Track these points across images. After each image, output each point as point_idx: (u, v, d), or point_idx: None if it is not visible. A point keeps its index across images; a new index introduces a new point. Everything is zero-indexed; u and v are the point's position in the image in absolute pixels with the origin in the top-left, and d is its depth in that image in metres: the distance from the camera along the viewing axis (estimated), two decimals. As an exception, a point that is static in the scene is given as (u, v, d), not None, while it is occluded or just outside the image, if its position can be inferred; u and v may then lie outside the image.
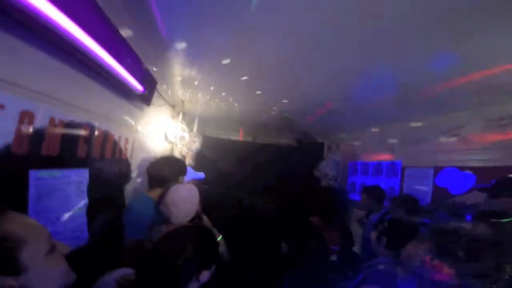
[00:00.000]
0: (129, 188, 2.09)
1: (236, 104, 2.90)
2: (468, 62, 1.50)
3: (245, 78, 2.03)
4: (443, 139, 2.63)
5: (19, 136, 0.97)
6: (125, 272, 0.99)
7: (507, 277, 0.70)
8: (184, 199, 1.53)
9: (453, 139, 2.54)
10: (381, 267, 1.45)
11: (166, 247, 0.90)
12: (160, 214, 1.69)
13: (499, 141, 2.17)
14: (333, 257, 1.97)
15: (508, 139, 2.10)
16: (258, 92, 2.33)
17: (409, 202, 2.30)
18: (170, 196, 1.52)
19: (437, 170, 2.67)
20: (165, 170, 1.76)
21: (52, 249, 0.65)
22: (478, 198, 1.98)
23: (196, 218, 1.61)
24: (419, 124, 2.88)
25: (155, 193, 1.67)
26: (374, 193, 2.75)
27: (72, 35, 1.00)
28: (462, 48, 1.35)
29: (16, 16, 0.84)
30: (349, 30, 1.26)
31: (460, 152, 2.48)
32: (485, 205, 1.73)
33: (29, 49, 0.97)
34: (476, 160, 2.33)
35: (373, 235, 1.67)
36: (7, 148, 0.93)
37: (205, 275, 0.92)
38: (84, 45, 1.08)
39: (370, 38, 1.32)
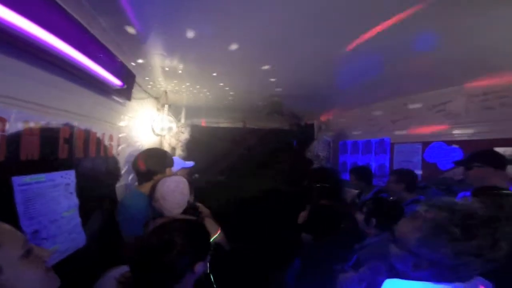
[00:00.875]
0: (120, 184, 2.07)
1: (223, 91, 2.85)
2: (452, 39, 1.49)
3: (229, 64, 1.98)
4: (429, 115, 2.67)
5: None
6: (125, 269, 0.98)
7: (502, 255, 0.70)
8: (172, 191, 1.52)
9: (439, 114, 2.57)
10: (373, 247, 1.49)
11: (155, 241, 0.89)
12: (153, 209, 1.71)
13: (483, 116, 2.22)
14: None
15: (492, 113, 2.15)
16: (245, 77, 2.28)
17: (409, 177, 2.27)
18: (159, 190, 1.51)
19: (425, 145, 2.72)
20: (150, 164, 1.72)
21: (27, 253, 0.66)
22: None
23: (191, 209, 1.59)
24: (406, 100, 2.90)
25: (146, 187, 1.68)
26: (362, 174, 2.81)
27: (39, 38, 0.97)
28: (446, 25, 1.33)
29: None
30: (335, 8, 1.21)
31: (446, 127, 2.53)
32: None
33: None
34: (462, 134, 2.38)
35: (360, 216, 1.70)
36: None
37: (199, 267, 0.92)
38: (52, 46, 1.05)
39: (356, 17, 1.29)
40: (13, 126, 1.02)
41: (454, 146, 2.45)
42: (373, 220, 1.56)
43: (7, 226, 0.67)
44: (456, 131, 2.45)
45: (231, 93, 2.86)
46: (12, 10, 0.84)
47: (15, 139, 1.03)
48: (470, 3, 1.13)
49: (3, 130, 0.98)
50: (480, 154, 1.73)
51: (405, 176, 2.26)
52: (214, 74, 2.25)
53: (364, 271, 1.24)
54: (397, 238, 0.86)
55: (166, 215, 1.51)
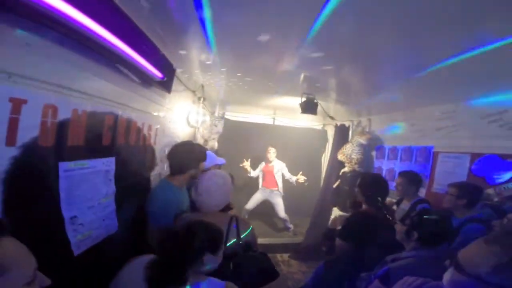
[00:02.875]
0: (154, 173, 2.14)
1: (257, 87, 2.82)
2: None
3: (266, 59, 1.93)
4: (482, 124, 2.41)
5: (44, 129, 0.98)
6: (152, 257, 1.05)
7: None
8: (218, 187, 1.53)
9: (495, 124, 2.31)
10: (408, 261, 1.39)
11: (182, 232, 1.08)
12: (190, 202, 1.74)
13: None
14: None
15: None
16: (280, 73, 2.22)
17: (474, 193, 1.99)
18: (204, 184, 1.52)
19: (474, 157, 2.47)
20: (185, 157, 1.74)
21: (32, 281, 0.64)
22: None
23: (226, 207, 1.60)
24: (455, 107, 2.64)
25: (177, 179, 1.73)
26: (412, 178, 2.58)
27: (88, 28, 0.99)
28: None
29: (31, 14, 0.83)
30: (381, 11, 1.13)
31: (502, 138, 2.26)
32: None
33: (47, 44, 0.96)
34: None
35: (401, 227, 1.58)
36: (34, 141, 0.94)
37: (208, 259, 1.07)
38: (100, 36, 1.07)
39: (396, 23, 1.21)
40: (63, 113, 1.06)
41: (510, 160, 2.19)
42: (415, 234, 1.44)
43: (23, 250, 0.64)
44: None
45: (268, 84, 2.81)
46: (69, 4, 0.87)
47: (64, 126, 1.08)
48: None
49: (55, 117, 1.02)
50: None
51: (469, 192, 1.99)
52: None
53: None
54: (460, 263, 0.76)
55: (204, 210, 1.51)
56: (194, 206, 1.64)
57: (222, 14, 1.33)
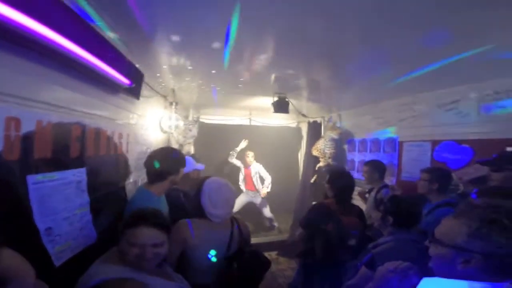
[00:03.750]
0: (130, 182, 2.11)
1: (230, 88, 2.85)
2: (462, 38, 1.46)
3: (236, 61, 1.97)
4: (439, 113, 2.62)
5: (8, 142, 0.96)
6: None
7: None
8: (232, 198, 1.58)
9: (450, 113, 2.52)
10: (388, 245, 1.47)
11: None
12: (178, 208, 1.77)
13: (494, 115, 2.17)
14: (352, 242, 1.93)
15: (504, 112, 2.10)
16: (250, 73, 2.27)
17: (445, 177, 2.09)
18: (219, 193, 1.50)
19: (435, 144, 2.68)
20: (165, 164, 1.68)
21: None
22: (477, 171, 1.98)
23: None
24: (415, 99, 2.86)
25: (156, 187, 1.67)
26: (375, 165, 2.77)
27: (48, 38, 0.99)
28: (456, 23, 1.31)
29: None
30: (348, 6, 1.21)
31: (457, 125, 2.48)
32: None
33: (7, 56, 0.95)
34: (473, 133, 2.33)
35: (376, 214, 1.68)
36: (-1, 155, 0.92)
37: None
38: (63, 47, 1.07)
39: (365, 18, 1.29)
40: (27, 126, 1.04)
41: (465, 145, 2.40)
42: (390, 219, 1.54)
43: (21, 260, 0.65)
44: (467, 129, 2.40)
45: (238, 87, 2.85)
46: (22, 12, 0.86)
47: (28, 139, 1.05)
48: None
49: (18, 130, 1.00)
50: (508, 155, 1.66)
51: (440, 176, 2.09)
52: (214, 71, 2.25)
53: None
54: (438, 238, 0.85)
55: (218, 221, 1.50)
56: (198, 213, 1.57)
57: (183, 18, 1.36)
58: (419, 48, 1.64)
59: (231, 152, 4.38)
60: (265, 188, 4.30)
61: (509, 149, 2.01)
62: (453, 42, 1.53)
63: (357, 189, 3.37)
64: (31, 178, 1.06)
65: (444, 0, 1.13)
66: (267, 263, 1.55)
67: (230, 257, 1.50)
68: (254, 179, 4.35)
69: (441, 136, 2.62)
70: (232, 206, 1.57)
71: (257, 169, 4.39)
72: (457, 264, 0.79)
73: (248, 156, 4.33)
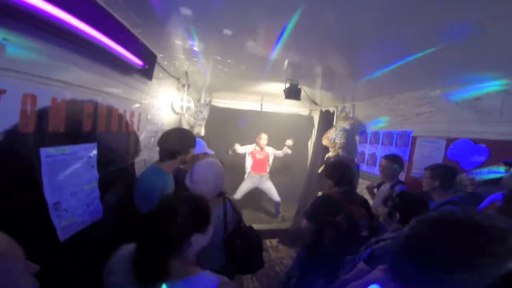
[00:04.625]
0: (139, 159, 2.18)
1: (243, 73, 2.83)
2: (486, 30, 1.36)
3: (250, 44, 1.93)
4: (457, 110, 2.52)
5: (24, 116, 1.02)
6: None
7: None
8: (214, 176, 1.58)
9: (470, 110, 2.42)
10: (389, 243, 1.44)
11: (158, 210, 0.92)
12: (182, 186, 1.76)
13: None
14: (364, 233, 1.90)
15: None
16: (263, 57, 2.23)
17: (447, 175, 2.07)
18: (200, 173, 1.56)
19: (450, 141, 2.60)
20: (176, 143, 1.78)
21: (23, 272, 0.63)
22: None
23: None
24: (433, 93, 2.75)
25: (167, 165, 1.77)
26: (395, 160, 2.65)
27: (63, 20, 1.03)
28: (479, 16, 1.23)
29: (6, 11, 0.87)
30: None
31: (476, 123, 2.38)
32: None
33: (23, 38, 0.99)
34: (492, 133, 2.24)
35: (383, 210, 1.66)
36: (15, 128, 0.98)
37: (197, 239, 0.92)
38: (78, 29, 1.10)
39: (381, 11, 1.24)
40: (42, 102, 1.09)
41: (481, 145, 2.32)
42: (397, 215, 1.53)
43: (11, 242, 0.62)
44: (485, 128, 2.29)
45: (254, 70, 2.82)
46: None
47: (43, 114, 1.11)
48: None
49: (34, 105, 1.06)
50: None
51: (442, 173, 2.07)
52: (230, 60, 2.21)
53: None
54: None
55: None
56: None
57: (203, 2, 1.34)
58: (442, 37, 1.53)
59: (235, 145, 4.36)
60: (289, 141, 4.33)
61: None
62: (479, 32, 1.42)
63: (365, 182, 3.39)
64: (44, 151, 1.12)
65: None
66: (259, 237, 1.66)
67: (230, 237, 1.55)
68: (270, 160, 4.41)
69: (457, 134, 2.53)
70: (213, 185, 1.57)
71: (270, 152, 4.43)
72: None
73: (262, 138, 4.33)
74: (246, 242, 1.55)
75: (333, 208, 1.94)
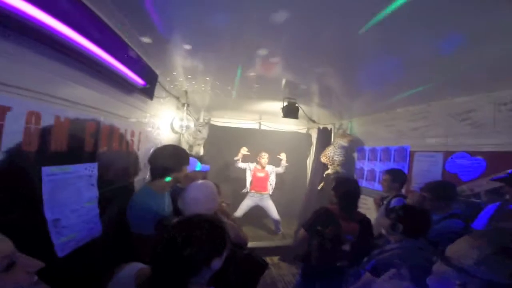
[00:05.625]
0: (138, 179, 2.16)
1: (242, 92, 2.89)
2: (478, 43, 1.43)
3: (248, 63, 1.99)
4: (453, 123, 2.57)
5: (28, 134, 1.02)
6: (139, 266, 0.99)
7: None
8: (204, 197, 1.55)
9: (464, 123, 2.47)
10: (394, 252, 1.46)
11: (176, 235, 0.88)
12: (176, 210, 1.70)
13: (510, 126, 2.11)
14: (346, 247, 1.92)
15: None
16: (262, 78, 2.29)
17: (447, 190, 2.05)
18: (191, 195, 1.53)
19: (447, 155, 2.62)
20: (168, 160, 1.67)
21: (8, 267, 0.60)
22: (490, 184, 1.94)
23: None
24: (429, 107, 2.82)
25: (158, 185, 1.67)
26: (396, 174, 2.65)
27: (70, 39, 1.06)
28: (470, 28, 1.29)
29: (12, 25, 0.89)
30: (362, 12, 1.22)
31: (471, 136, 2.42)
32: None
33: (29, 54, 1.02)
34: (487, 144, 2.27)
35: (384, 221, 1.67)
36: (18, 146, 0.98)
37: (216, 262, 0.91)
38: (83, 47, 1.14)
39: (379, 24, 1.29)
40: (46, 120, 1.10)
41: (478, 157, 2.35)
42: (400, 227, 1.53)
43: None
44: (481, 141, 2.33)
45: (250, 92, 2.88)
46: (43, 10, 0.92)
47: (47, 132, 1.12)
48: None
49: (38, 123, 1.06)
50: None
51: (441, 192, 2.05)
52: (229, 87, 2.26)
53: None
54: (447, 255, 0.83)
55: None
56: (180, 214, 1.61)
57: (199, 23, 1.40)
58: (434, 54, 1.61)
59: (235, 159, 4.35)
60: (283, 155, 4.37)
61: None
62: (469, 47, 1.50)
63: (365, 198, 3.36)
64: (46, 170, 1.12)
65: (459, 5, 1.12)
66: (262, 266, 1.54)
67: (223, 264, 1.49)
68: (270, 180, 4.39)
69: (454, 148, 2.56)
70: (207, 206, 1.54)
71: (272, 170, 4.41)
72: (453, 286, 0.76)
73: (263, 157, 4.33)
74: (238, 273, 1.45)
75: (327, 220, 1.98)
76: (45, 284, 0.70)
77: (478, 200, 2.16)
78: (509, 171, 1.70)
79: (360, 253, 1.64)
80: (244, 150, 4.28)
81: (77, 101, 1.31)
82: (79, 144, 1.36)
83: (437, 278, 0.84)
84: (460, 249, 0.81)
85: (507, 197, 1.66)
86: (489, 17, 1.19)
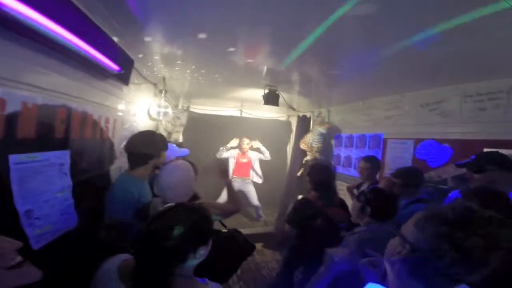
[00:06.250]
0: (114, 167, 2.11)
1: (220, 79, 2.85)
2: (447, 39, 1.50)
3: (230, 50, 1.96)
4: (423, 112, 2.71)
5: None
6: (124, 257, 0.97)
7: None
8: (180, 181, 1.51)
9: (433, 112, 2.61)
10: (363, 235, 1.54)
11: (159, 226, 0.87)
12: (151, 195, 1.68)
13: (475, 116, 2.25)
14: (343, 234, 1.91)
15: (484, 113, 2.19)
16: (242, 64, 2.28)
17: (415, 176, 2.16)
18: (164, 179, 1.49)
19: (417, 142, 2.77)
20: (146, 147, 1.63)
21: None
22: (457, 170, 2.07)
23: (193, 197, 1.59)
24: (402, 98, 2.94)
25: (138, 172, 1.64)
26: (375, 162, 2.76)
27: (37, 22, 0.99)
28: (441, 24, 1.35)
29: None
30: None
31: (439, 125, 2.57)
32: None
33: None
34: (454, 133, 2.42)
35: (356, 204, 1.75)
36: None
37: (202, 251, 0.91)
38: (51, 30, 1.07)
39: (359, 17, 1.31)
40: (11, 106, 1.05)
41: (445, 145, 2.50)
42: (368, 210, 1.60)
43: None
44: (448, 130, 2.49)
45: (230, 79, 2.85)
46: None
47: (13, 119, 1.06)
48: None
49: (3, 110, 1.01)
50: (491, 157, 1.64)
51: (409, 178, 2.15)
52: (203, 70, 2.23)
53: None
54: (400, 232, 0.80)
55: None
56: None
57: (176, 8, 1.36)
58: (407, 49, 1.67)
59: (221, 148, 4.39)
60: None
61: (486, 150, 2.10)
62: (439, 43, 1.57)
63: (342, 184, 3.50)
64: (13, 158, 1.06)
65: (432, 2, 1.16)
66: (247, 248, 1.56)
67: None
68: (254, 165, 4.49)
69: (424, 135, 2.71)
70: (183, 188, 1.52)
71: (256, 157, 4.51)
72: (395, 255, 0.73)
73: (244, 143, 4.40)
74: (218, 253, 1.49)
75: (312, 211, 2.00)
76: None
77: (445, 186, 2.31)
78: (471, 157, 1.79)
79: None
80: (235, 142, 4.35)
81: (46, 87, 1.25)
82: (49, 131, 1.30)
83: (388, 249, 0.81)
84: (407, 224, 0.79)
85: (474, 184, 1.72)
86: (457, 15, 1.24)
